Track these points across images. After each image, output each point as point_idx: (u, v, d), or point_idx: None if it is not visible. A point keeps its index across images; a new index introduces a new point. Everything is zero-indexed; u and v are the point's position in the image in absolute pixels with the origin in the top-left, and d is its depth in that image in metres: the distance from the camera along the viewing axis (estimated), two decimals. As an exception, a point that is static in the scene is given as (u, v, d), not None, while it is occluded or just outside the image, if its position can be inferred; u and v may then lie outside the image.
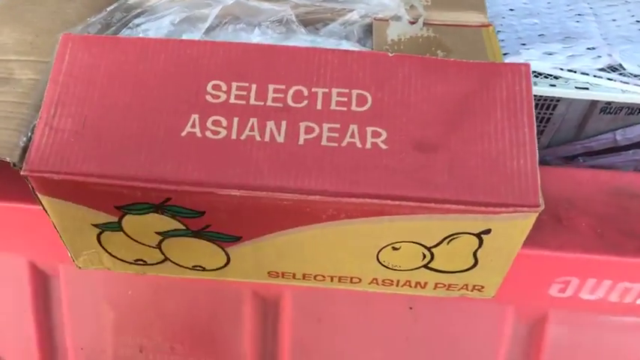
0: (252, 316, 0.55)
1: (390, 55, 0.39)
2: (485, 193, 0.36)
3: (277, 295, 0.54)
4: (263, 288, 0.53)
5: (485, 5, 0.52)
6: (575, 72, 0.62)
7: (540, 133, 0.69)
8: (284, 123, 0.38)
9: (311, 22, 0.50)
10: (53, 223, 0.41)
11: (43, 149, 0.37)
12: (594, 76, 0.59)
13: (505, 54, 0.64)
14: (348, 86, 0.39)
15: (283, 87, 0.39)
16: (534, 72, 0.62)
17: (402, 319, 0.55)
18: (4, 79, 0.42)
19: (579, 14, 0.72)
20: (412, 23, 0.49)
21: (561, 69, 0.62)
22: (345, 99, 0.38)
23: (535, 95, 0.63)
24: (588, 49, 0.63)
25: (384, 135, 0.37)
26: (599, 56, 0.61)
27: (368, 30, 0.50)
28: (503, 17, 0.70)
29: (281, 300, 0.55)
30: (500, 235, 0.38)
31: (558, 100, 0.65)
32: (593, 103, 0.66)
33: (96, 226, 0.40)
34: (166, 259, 0.44)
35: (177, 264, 0.44)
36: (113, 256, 0.44)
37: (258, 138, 0.37)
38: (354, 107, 0.38)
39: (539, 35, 0.66)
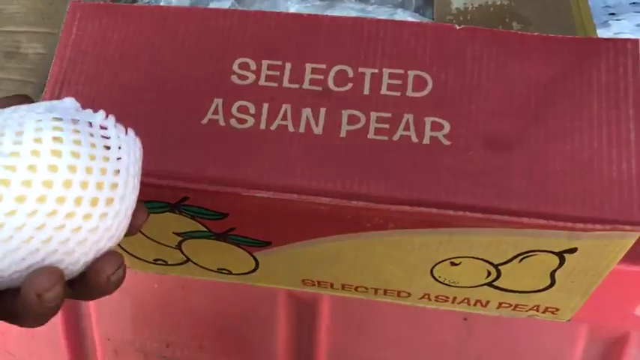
0: (286, 319, 0.50)
1: (457, 27, 0.32)
2: (573, 205, 0.28)
3: (314, 298, 0.49)
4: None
5: (572, -35, 0.43)
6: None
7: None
8: (323, 111, 0.31)
9: (361, -12, 0.43)
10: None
11: (45, 136, 0.32)
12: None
13: (589, 25, 0.54)
14: (403, 66, 0.31)
15: (324, 66, 0.32)
16: (624, 47, 0.53)
17: (455, 331, 0.48)
18: (10, 54, 0.37)
19: (680, -23, 0.61)
20: (482, -12, 0.41)
21: (659, 44, 0.52)
22: (400, 82, 0.31)
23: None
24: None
25: (447, 127, 0.30)
26: None
27: (428, -3, 0.42)
28: (587, -19, 0.60)
29: (318, 303, 0.49)
30: (588, 256, 0.30)
31: (651, 80, 0.55)
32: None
33: (108, 223, 0.36)
34: (188, 259, 0.39)
35: (200, 266, 0.39)
36: (130, 254, 0.39)
37: (291, 128, 0.31)
38: (409, 92, 0.31)
39: (632, 3, 0.56)
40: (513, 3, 0.40)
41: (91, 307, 0.55)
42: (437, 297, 0.37)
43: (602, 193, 0.28)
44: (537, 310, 0.37)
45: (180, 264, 0.39)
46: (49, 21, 0.39)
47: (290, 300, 0.49)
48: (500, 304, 0.37)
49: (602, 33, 0.51)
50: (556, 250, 0.30)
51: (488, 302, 0.37)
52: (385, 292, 0.38)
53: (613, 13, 0.55)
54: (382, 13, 0.35)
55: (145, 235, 0.36)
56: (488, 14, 0.39)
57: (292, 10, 0.37)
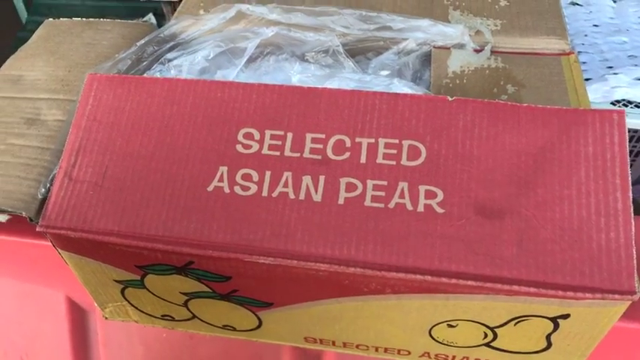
0: (291, 369, 0.51)
1: (450, 99, 0.33)
2: (563, 274, 0.29)
3: (319, 350, 0.49)
4: (303, 341, 0.48)
5: (565, 28, 0.45)
6: (673, 101, 0.53)
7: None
8: (322, 178, 0.33)
9: (362, 52, 0.45)
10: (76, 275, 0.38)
11: (60, 203, 0.34)
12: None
13: (587, 79, 0.56)
14: (398, 136, 0.33)
15: (323, 136, 0.34)
16: (623, 100, 0.54)
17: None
18: (30, 120, 0.39)
19: (678, 30, 0.62)
20: (478, 52, 0.42)
21: (656, 97, 0.53)
22: (395, 151, 0.33)
23: (623, 127, 0.55)
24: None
25: (440, 196, 0.31)
26: None
27: (426, 60, 0.44)
28: (586, 35, 0.62)
29: (323, 356, 0.50)
30: (582, 321, 0.31)
31: (651, 132, 0.56)
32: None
33: (118, 282, 0.37)
34: (194, 316, 0.40)
35: (206, 322, 0.40)
36: (139, 310, 0.41)
37: (292, 195, 0.32)
38: (404, 161, 0.32)
39: (630, 56, 0.58)
40: (508, 66, 0.42)
41: (102, 354, 0.56)
42: (436, 355, 0.38)
43: (591, 261, 0.29)
44: (536, 370, 0.37)
45: (187, 320, 0.40)
46: (68, 88, 0.42)
47: (295, 353, 0.50)
48: (499, 363, 0.37)
49: (599, 87, 0.53)
50: (549, 316, 0.31)
51: (487, 361, 0.37)
52: (386, 350, 0.38)
53: (611, 67, 0.56)
54: (379, 84, 0.37)
55: (152, 294, 0.38)
56: (484, 77, 0.41)
57: (295, 79, 0.39)
